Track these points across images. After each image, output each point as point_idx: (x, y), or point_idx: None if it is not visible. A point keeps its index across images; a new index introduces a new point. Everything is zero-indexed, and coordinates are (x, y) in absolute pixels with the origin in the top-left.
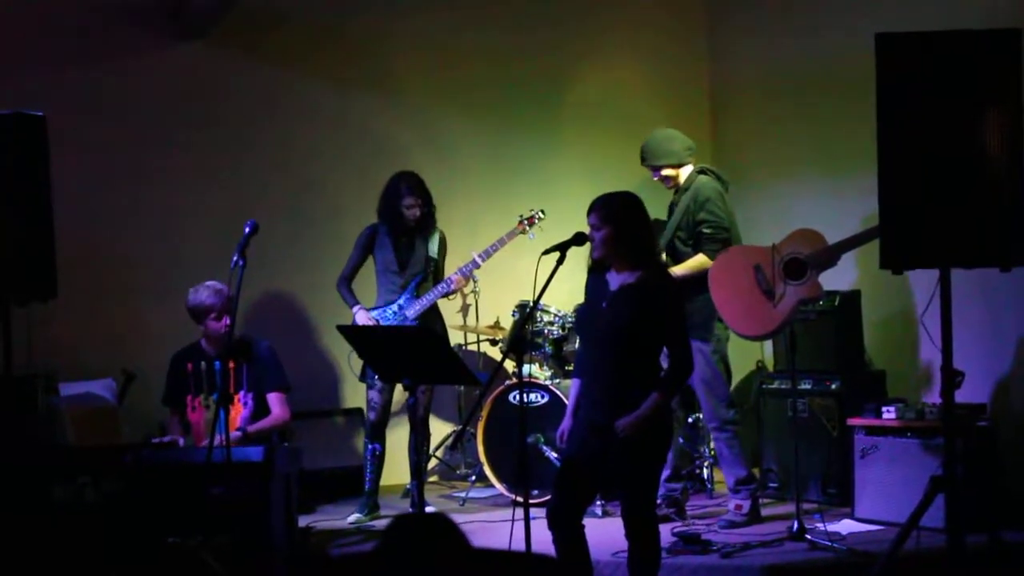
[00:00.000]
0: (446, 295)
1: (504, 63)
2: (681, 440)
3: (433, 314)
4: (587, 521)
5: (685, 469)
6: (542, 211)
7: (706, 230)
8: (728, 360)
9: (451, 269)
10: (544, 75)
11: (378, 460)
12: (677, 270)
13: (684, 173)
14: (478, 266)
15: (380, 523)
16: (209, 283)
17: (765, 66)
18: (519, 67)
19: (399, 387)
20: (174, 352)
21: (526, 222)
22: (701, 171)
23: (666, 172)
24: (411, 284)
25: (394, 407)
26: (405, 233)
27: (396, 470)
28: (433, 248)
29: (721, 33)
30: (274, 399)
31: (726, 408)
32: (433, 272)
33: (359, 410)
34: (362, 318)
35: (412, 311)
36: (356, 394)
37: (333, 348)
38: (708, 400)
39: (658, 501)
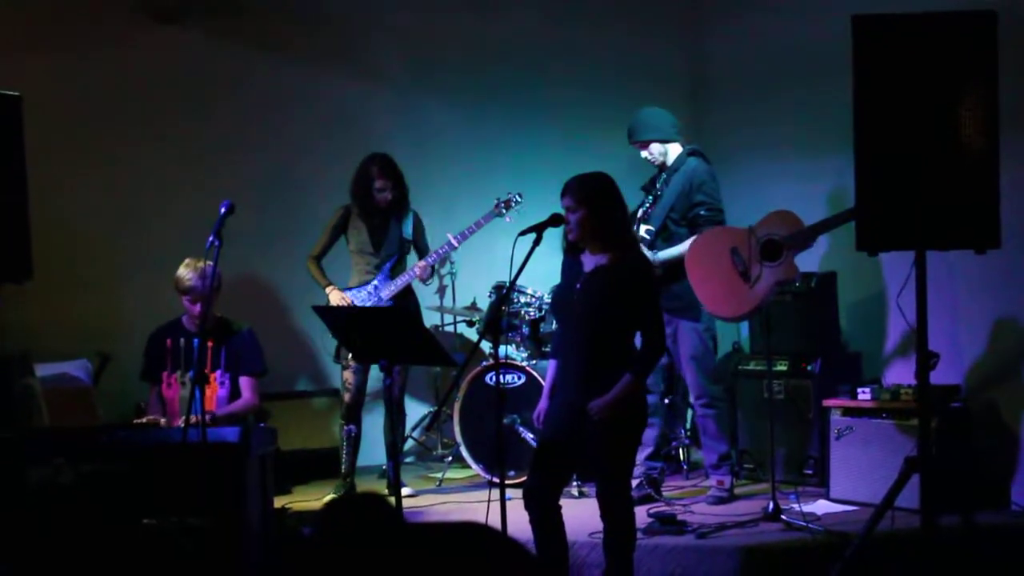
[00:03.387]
0: (423, 279)
1: (483, 46)
2: (659, 420)
3: (407, 295)
4: (563, 502)
5: (663, 449)
6: (519, 194)
7: (703, 211)
8: (716, 337)
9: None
10: (523, 58)
11: (354, 441)
12: (673, 251)
13: (672, 151)
14: (454, 248)
15: None
16: (202, 265)
17: (745, 49)
18: (497, 50)
19: (374, 368)
20: (152, 330)
21: (503, 205)
22: (691, 152)
23: (654, 148)
24: (386, 265)
25: (369, 388)
26: (378, 214)
27: (372, 451)
28: (407, 229)
29: (701, 16)
30: (245, 383)
31: (714, 383)
32: (408, 253)
33: (334, 391)
34: (336, 298)
35: (386, 292)
36: (331, 375)
37: (308, 329)
38: (697, 376)
39: (638, 479)
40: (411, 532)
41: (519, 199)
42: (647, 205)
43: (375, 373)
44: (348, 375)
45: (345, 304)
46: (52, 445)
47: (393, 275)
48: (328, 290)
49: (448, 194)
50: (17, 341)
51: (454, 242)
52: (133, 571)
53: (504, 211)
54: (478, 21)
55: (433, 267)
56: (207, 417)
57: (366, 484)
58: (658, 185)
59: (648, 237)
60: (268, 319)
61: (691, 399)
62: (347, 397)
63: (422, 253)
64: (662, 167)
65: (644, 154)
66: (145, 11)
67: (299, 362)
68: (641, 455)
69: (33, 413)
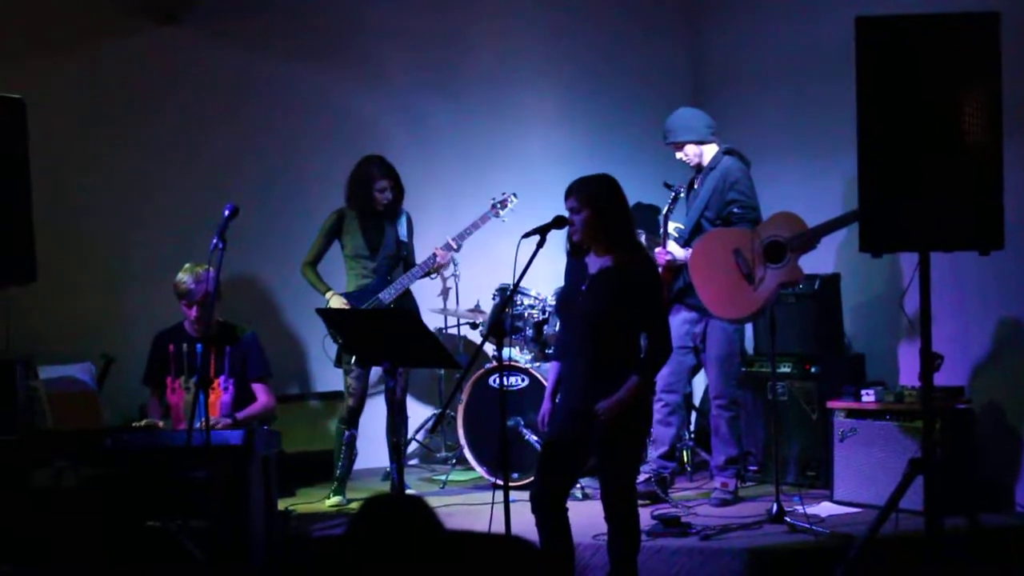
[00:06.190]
0: (427, 273)
1: (484, 46)
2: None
3: (406, 298)
4: (568, 504)
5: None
6: (514, 194)
7: (736, 210)
8: (743, 339)
9: (419, 250)
10: (524, 58)
11: (352, 445)
12: None
13: (708, 152)
14: (453, 250)
15: None
16: (200, 270)
17: (747, 49)
18: (499, 50)
19: (374, 372)
20: (156, 332)
21: (499, 205)
22: (727, 151)
23: (689, 149)
24: (384, 268)
25: (369, 392)
26: (374, 217)
27: (376, 454)
28: (403, 231)
29: (702, 18)
30: (259, 388)
31: (736, 387)
32: (404, 256)
33: (330, 394)
34: (336, 303)
35: (387, 295)
36: (327, 378)
37: (303, 332)
38: (720, 377)
39: (648, 475)
40: (449, 538)
41: (514, 198)
42: (670, 202)
43: (375, 378)
44: (351, 380)
45: (347, 308)
46: (55, 448)
47: (391, 278)
48: (328, 295)
49: (450, 195)
50: (21, 344)
51: (453, 244)
52: (137, 574)
53: (500, 211)
54: (479, 22)
55: (449, 255)
56: (227, 420)
57: (370, 486)
58: (696, 186)
59: (677, 235)
60: (269, 322)
61: (710, 397)
62: (351, 401)
63: (411, 255)
64: (698, 168)
65: (679, 155)
66: (145, 11)
67: (294, 365)
68: (655, 452)
69: (37, 416)
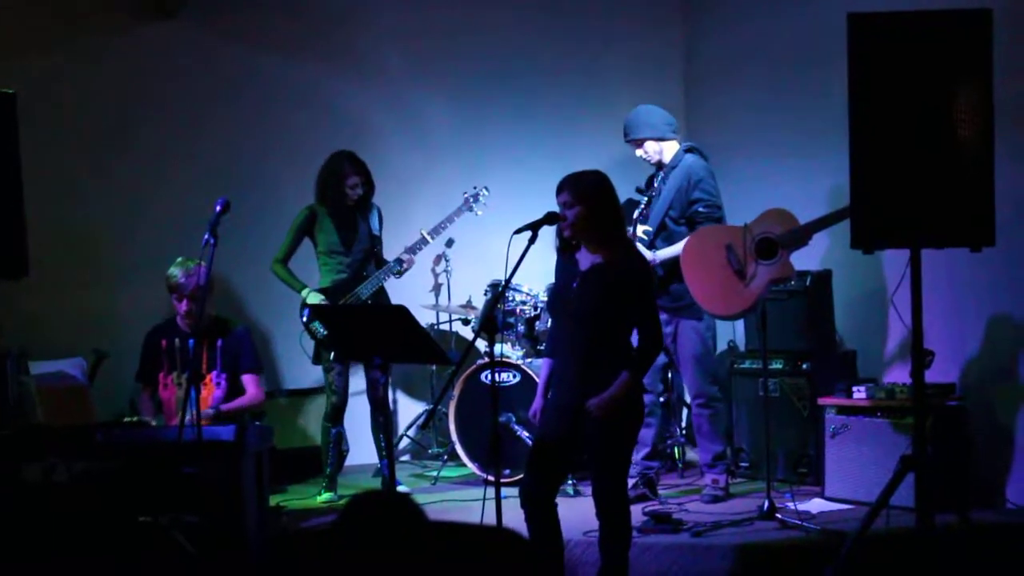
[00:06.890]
0: (397, 273)
1: (478, 41)
2: (657, 420)
3: (381, 294)
4: (558, 500)
5: (659, 447)
6: (486, 188)
7: (701, 209)
8: (715, 337)
9: (389, 243)
10: (518, 56)
11: (340, 442)
12: (672, 250)
13: (668, 149)
14: (427, 243)
15: None
16: (192, 264)
17: (738, 48)
18: (493, 47)
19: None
20: (148, 328)
21: (471, 199)
22: (688, 149)
23: (649, 146)
24: (357, 263)
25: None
26: (346, 213)
27: (366, 450)
28: (375, 225)
29: (695, 14)
30: (249, 380)
31: (712, 384)
32: (377, 250)
33: (304, 391)
34: (314, 300)
35: (364, 290)
36: (301, 375)
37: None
38: (696, 376)
39: (635, 478)
40: (436, 533)
41: (486, 191)
42: (643, 205)
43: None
44: (333, 377)
45: (340, 304)
46: (46, 443)
47: (365, 272)
48: (304, 293)
49: (443, 192)
50: (12, 338)
51: (428, 238)
52: (128, 569)
53: (473, 204)
54: (473, 17)
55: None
56: (211, 412)
57: (361, 483)
58: (656, 184)
59: (646, 237)
60: (258, 318)
61: (688, 398)
62: (335, 399)
63: (381, 248)
64: (659, 166)
65: (639, 152)
66: (142, 8)
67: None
68: (638, 455)
69: (27, 411)
